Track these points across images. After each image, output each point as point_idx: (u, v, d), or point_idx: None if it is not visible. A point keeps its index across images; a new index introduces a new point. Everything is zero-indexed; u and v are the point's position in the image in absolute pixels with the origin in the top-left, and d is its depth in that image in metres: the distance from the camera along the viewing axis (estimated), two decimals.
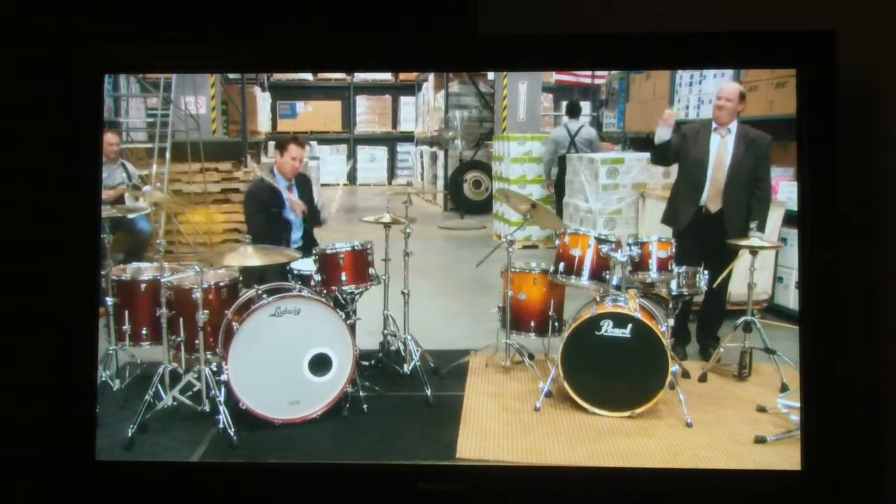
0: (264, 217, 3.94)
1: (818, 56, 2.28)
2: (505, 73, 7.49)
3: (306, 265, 3.65)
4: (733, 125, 3.85)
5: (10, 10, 2.61)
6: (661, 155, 4.02)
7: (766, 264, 4.52)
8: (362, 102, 13.02)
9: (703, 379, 3.74)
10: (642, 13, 2.59)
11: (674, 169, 4.12)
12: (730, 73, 5.50)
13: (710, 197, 3.85)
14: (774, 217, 4.45)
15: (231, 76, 8.01)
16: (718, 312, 4.00)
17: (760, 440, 3.08)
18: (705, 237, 3.81)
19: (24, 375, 2.65)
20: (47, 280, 2.63)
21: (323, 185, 10.38)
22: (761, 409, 3.37)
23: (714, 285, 3.69)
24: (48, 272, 2.62)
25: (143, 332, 3.51)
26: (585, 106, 10.14)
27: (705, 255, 3.77)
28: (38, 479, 2.63)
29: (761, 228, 3.78)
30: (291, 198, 3.95)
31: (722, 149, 3.85)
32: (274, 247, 3.65)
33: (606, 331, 3.37)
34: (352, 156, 12.45)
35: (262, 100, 9.76)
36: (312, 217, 4.13)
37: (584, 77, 9.99)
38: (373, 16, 2.76)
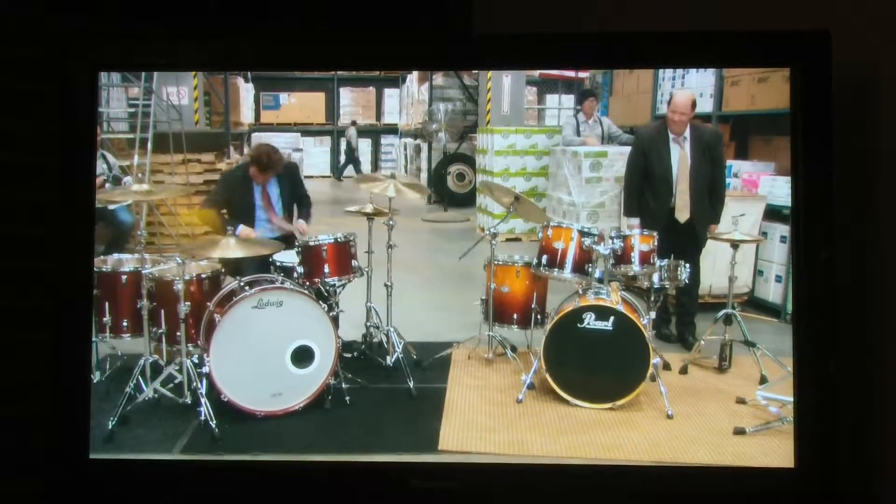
0: (228, 201, 3.99)
1: (813, 55, 2.28)
2: None
3: (289, 257, 3.64)
4: (687, 131, 3.91)
5: (5, 7, 2.57)
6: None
7: (747, 258, 4.56)
8: (346, 94, 12.95)
9: (684, 371, 3.77)
10: (637, 12, 2.59)
11: None
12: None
13: (679, 208, 3.91)
14: (755, 211, 4.49)
15: None
16: (691, 303, 4.07)
17: (739, 431, 3.11)
18: (676, 244, 3.84)
19: (16, 373, 2.63)
20: (42, 277, 2.60)
21: (306, 177, 10.33)
22: (741, 401, 3.40)
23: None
24: (42, 269, 2.59)
25: (124, 323, 3.48)
26: (569, 99, 10.18)
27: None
28: (31, 478, 2.60)
29: (716, 220, 3.93)
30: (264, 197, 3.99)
31: (682, 160, 3.91)
32: (257, 239, 3.62)
33: (589, 323, 3.39)
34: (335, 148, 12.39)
35: (246, 91, 9.68)
36: (301, 207, 4.11)
37: (568, 70, 9.98)
38: (368, 15, 2.75)
